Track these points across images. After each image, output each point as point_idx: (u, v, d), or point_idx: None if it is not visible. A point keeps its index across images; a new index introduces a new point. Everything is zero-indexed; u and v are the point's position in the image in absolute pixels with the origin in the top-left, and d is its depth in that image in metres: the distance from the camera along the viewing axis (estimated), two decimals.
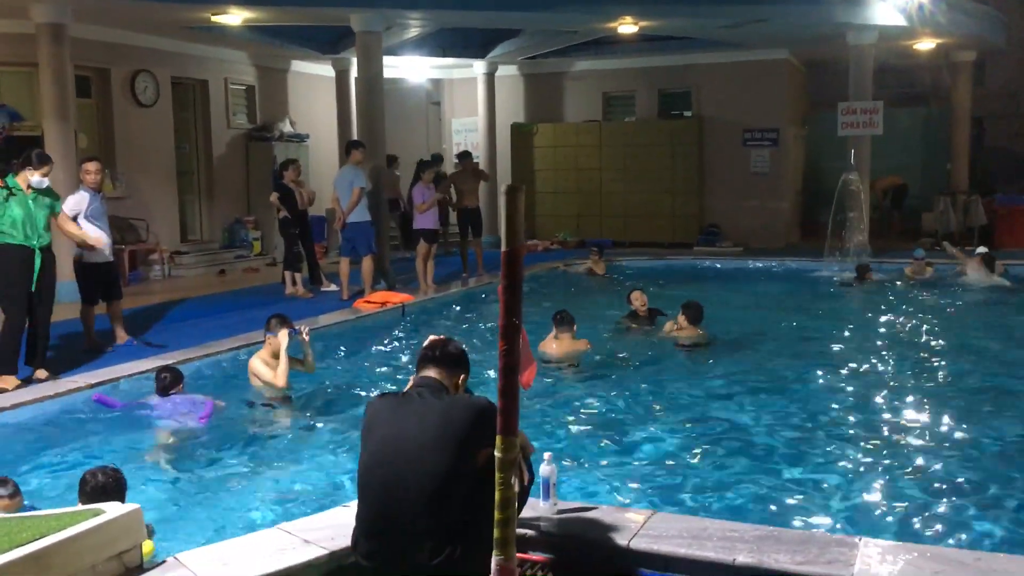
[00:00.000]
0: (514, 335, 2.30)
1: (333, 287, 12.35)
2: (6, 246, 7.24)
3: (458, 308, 11.50)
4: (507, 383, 2.35)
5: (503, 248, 2.28)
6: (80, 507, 3.81)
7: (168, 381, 6.72)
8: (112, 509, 3.61)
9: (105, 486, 4.03)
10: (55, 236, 7.87)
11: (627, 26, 14.08)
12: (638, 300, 9.70)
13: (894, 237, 16.92)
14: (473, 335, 9.39)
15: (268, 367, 6.94)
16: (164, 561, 3.64)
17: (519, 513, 3.51)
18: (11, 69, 12.68)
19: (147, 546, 3.68)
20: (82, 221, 8.47)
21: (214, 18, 12.38)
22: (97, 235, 8.47)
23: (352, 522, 3.56)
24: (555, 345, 8.23)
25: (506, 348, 2.30)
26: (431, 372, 3.61)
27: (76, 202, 8.50)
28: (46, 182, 7.51)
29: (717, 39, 16.21)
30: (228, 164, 15.98)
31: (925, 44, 16.12)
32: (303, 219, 12.25)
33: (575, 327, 8.27)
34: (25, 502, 4.32)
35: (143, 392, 7.08)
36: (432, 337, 3.78)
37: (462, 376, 3.67)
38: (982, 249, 13.39)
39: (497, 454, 2.47)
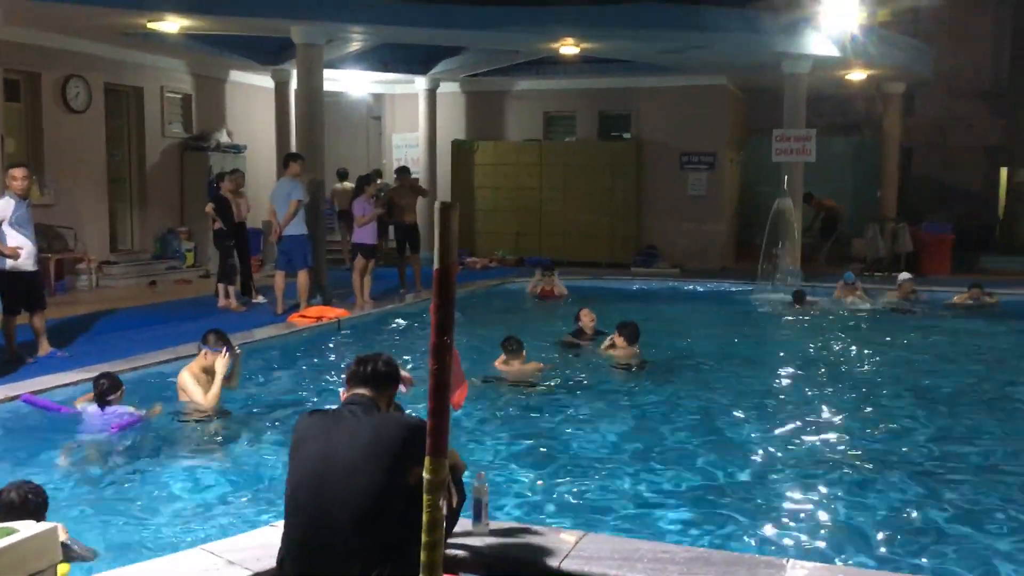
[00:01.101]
0: (445, 354, 2.27)
1: (261, 299, 12.20)
2: None
3: (394, 324, 11.42)
4: (437, 403, 2.32)
5: (435, 266, 2.25)
6: None
7: (106, 387, 6.47)
8: (27, 528, 3.47)
9: (12, 504, 3.86)
10: None
11: (568, 47, 14.22)
12: (587, 317, 9.74)
13: (823, 263, 17.27)
14: (409, 351, 9.31)
15: (198, 384, 6.78)
16: None
17: (449, 534, 3.46)
18: None
19: (62, 567, 3.55)
20: (6, 228, 8.22)
21: (150, 25, 12.17)
22: (17, 244, 8.22)
23: (279, 542, 3.48)
24: (505, 369, 8.25)
25: (437, 367, 2.27)
26: (361, 389, 3.56)
27: (1, 209, 8.24)
28: None
29: (657, 63, 16.45)
30: (162, 173, 15.68)
31: (857, 74, 16.59)
32: (240, 231, 12.09)
33: (524, 352, 8.30)
34: None
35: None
36: (361, 354, 3.72)
37: (391, 393, 3.62)
38: (906, 275, 13.77)
39: (425, 475, 2.43)
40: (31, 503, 3.87)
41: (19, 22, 11.82)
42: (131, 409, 6.59)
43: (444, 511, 2.48)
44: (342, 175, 17.48)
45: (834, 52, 14.55)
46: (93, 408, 6.52)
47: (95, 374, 6.96)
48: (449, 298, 2.24)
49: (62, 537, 3.84)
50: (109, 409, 6.46)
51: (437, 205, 2.18)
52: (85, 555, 3.99)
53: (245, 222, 12.20)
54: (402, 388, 3.74)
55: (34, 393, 7.03)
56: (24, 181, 8.42)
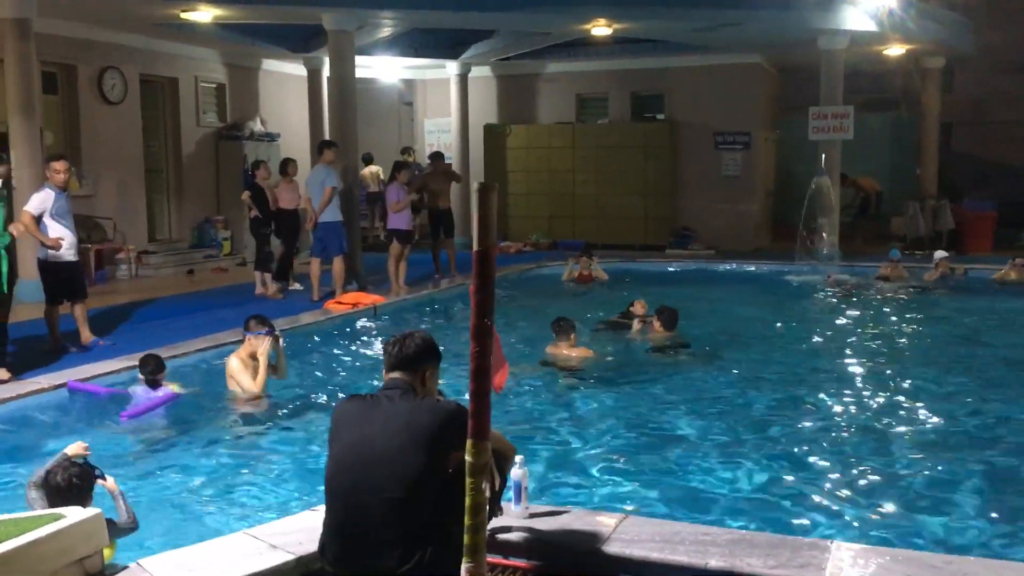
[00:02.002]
0: (486, 336, 2.25)
1: (298, 286, 12.28)
2: None
3: (430, 309, 11.44)
4: (478, 386, 2.30)
5: (475, 248, 2.23)
6: (40, 512, 3.71)
7: (150, 368, 6.76)
8: (73, 514, 3.52)
9: (58, 487, 3.92)
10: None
11: (600, 28, 14.09)
12: (639, 307, 9.65)
13: (862, 242, 17.04)
14: (445, 337, 9.33)
15: (246, 369, 6.85)
16: (127, 567, 3.56)
17: (491, 518, 3.46)
18: None
19: (107, 551, 3.59)
20: (47, 220, 8.33)
21: (183, 15, 12.23)
22: (58, 235, 8.34)
23: (320, 527, 3.50)
24: (553, 351, 8.21)
25: (478, 350, 2.25)
26: (395, 374, 3.54)
27: (41, 200, 8.34)
28: None
29: (690, 43, 16.27)
30: (198, 163, 15.81)
31: (895, 50, 16.28)
32: (292, 219, 12.13)
33: (574, 335, 8.22)
34: None
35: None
36: (392, 336, 3.67)
37: (428, 370, 3.57)
38: (942, 253, 13.56)
39: (468, 458, 2.42)
40: (75, 486, 3.92)
41: (55, 14, 11.94)
42: (172, 388, 6.82)
43: (487, 494, 2.47)
44: (367, 159, 17.68)
45: (871, 27, 14.29)
46: (141, 389, 6.73)
47: (135, 361, 7.09)
48: (489, 280, 2.22)
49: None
50: (155, 392, 6.68)
51: (475, 186, 2.16)
52: (128, 524, 4.03)
53: (297, 209, 12.24)
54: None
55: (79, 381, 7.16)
56: (64, 174, 8.53)
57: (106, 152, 13.89)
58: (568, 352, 8.18)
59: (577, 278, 13.43)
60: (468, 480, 2.42)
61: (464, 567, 2.58)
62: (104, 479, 4.07)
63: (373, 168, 18.20)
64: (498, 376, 2.63)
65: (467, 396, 2.54)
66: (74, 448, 4.16)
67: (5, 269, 7.29)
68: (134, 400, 6.72)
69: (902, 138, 19.17)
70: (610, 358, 8.61)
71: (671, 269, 15.47)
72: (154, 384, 6.78)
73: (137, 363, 7.01)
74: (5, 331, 7.42)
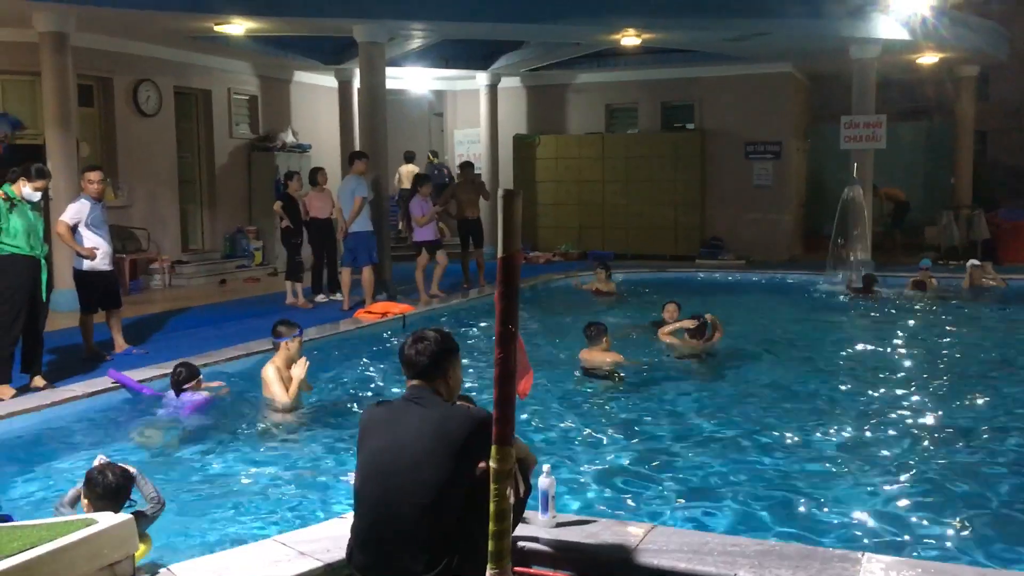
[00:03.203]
0: (510, 342, 2.26)
1: (322, 297, 12.34)
2: (14, 256, 7.22)
3: (458, 319, 11.46)
4: (503, 392, 2.30)
5: (499, 254, 2.24)
6: (72, 517, 3.76)
7: (182, 376, 6.88)
8: (104, 519, 3.56)
9: (109, 487, 3.99)
10: (54, 245, 7.87)
11: (630, 38, 14.09)
12: (669, 313, 9.65)
13: (897, 251, 16.87)
14: (474, 346, 9.35)
15: (279, 379, 6.92)
16: (157, 572, 3.59)
17: (516, 524, 3.45)
18: (14, 78, 12.69)
19: (142, 546, 3.64)
20: (83, 230, 8.46)
21: (217, 28, 12.40)
22: (94, 245, 8.47)
23: (348, 534, 3.51)
24: (585, 357, 8.23)
25: (502, 356, 2.26)
26: (415, 381, 3.54)
27: (77, 210, 8.48)
28: (37, 196, 7.49)
29: (720, 52, 16.22)
30: (230, 174, 15.99)
31: (928, 58, 16.12)
32: (322, 226, 12.16)
33: (606, 339, 8.21)
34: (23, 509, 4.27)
35: (141, 402, 7.09)
36: (406, 340, 3.61)
37: (449, 369, 3.56)
38: (974, 262, 13.41)
39: (492, 464, 2.43)
40: (123, 486, 4.02)
41: (92, 28, 12.15)
42: (205, 393, 6.95)
43: (511, 500, 2.47)
44: (408, 157, 18.05)
45: (904, 36, 14.16)
46: (170, 394, 6.89)
47: (168, 370, 7.19)
48: (513, 287, 2.22)
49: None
50: (184, 396, 6.81)
51: (500, 192, 2.17)
52: (155, 506, 4.11)
53: (330, 218, 12.25)
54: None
55: (102, 392, 7.28)
56: (99, 184, 8.66)
57: (141, 163, 14.09)
58: (602, 357, 8.17)
59: (594, 292, 13.26)
60: (492, 486, 2.42)
61: (489, 573, 2.59)
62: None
63: (412, 167, 18.34)
64: (523, 382, 2.64)
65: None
66: (97, 463, 4.18)
67: (44, 278, 7.43)
68: (167, 402, 6.88)
69: (936, 147, 18.97)
70: (643, 364, 8.58)
71: (700, 277, 15.39)
72: (179, 392, 6.87)
73: (152, 377, 7.22)
74: (41, 340, 7.53)
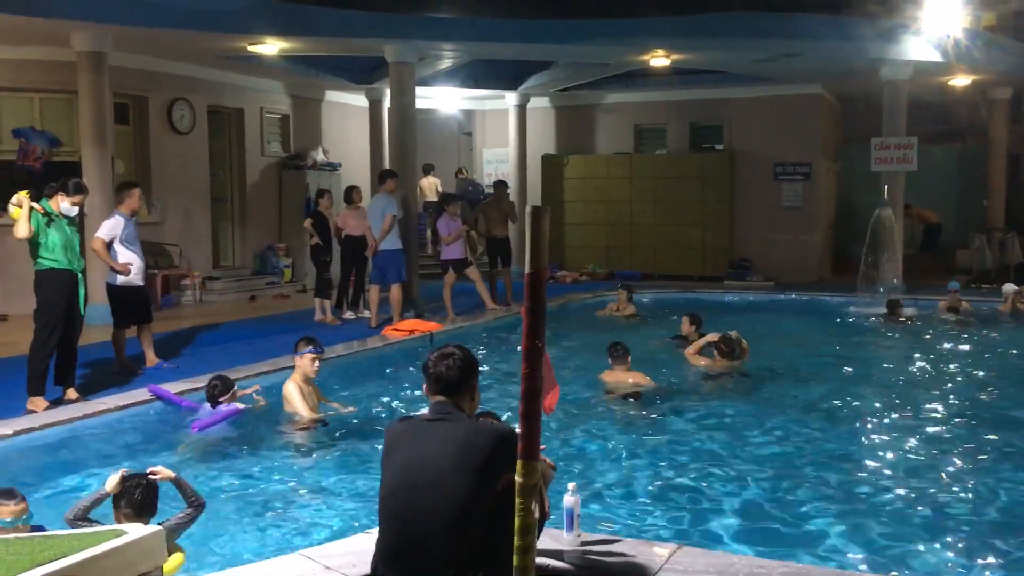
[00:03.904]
0: (537, 358, 2.27)
1: (350, 314, 12.35)
2: (53, 271, 7.37)
3: (486, 337, 11.48)
4: (529, 407, 2.32)
5: (527, 270, 2.26)
6: (101, 528, 3.81)
7: (217, 389, 7.06)
8: (134, 530, 3.60)
9: (135, 501, 4.06)
10: (87, 260, 8.01)
11: (659, 59, 14.13)
12: (685, 326, 9.77)
13: (927, 274, 16.70)
14: (501, 364, 9.36)
15: (300, 394, 7.02)
16: None
17: (536, 539, 3.44)
18: (52, 96, 12.95)
19: (175, 558, 3.68)
20: (117, 246, 8.60)
21: (251, 48, 12.58)
22: (128, 260, 8.61)
23: (373, 548, 3.53)
24: (608, 379, 8.24)
25: (528, 371, 2.27)
26: (439, 397, 3.54)
27: (112, 227, 8.62)
28: (75, 211, 7.63)
29: (750, 73, 16.21)
30: (261, 191, 16.16)
31: (960, 80, 16.01)
32: (357, 244, 12.10)
33: (629, 359, 8.22)
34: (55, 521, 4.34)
35: (172, 415, 7.19)
36: (432, 355, 3.60)
37: (474, 387, 3.58)
38: (1011, 286, 13.24)
39: (518, 479, 2.44)
40: (149, 501, 4.09)
41: (128, 48, 12.37)
42: (239, 404, 7.11)
43: (536, 515, 2.48)
44: (426, 170, 18.14)
45: (936, 57, 14.07)
46: (207, 406, 7.05)
47: (199, 384, 7.30)
48: (540, 302, 2.24)
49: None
50: (220, 408, 6.98)
51: (528, 209, 2.20)
52: (195, 507, 4.19)
53: (364, 236, 11.99)
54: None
55: (134, 405, 7.37)
56: (139, 200, 8.86)
57: (174, 180, 14.29)
58: (625, 378, 8.15)
59: (616, 312, 13.05)
60: (517, 500, 2.43)
61: None
62: (156, 473, 4.20)
63: (432, 179, 18.46)
64: (548, 398, 2.65)
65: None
66: (112, 482, 4.20)
67: (82, 292, 7.57)
68: (201, 413, 7.05)
69: (968, 170, 18.81)
70: (668, 383, 8.56)
71: (727, 299, 15.32)
72: (215, 405, 7.03)
73: (206, 385, 7.32)
74: (75, 353, 7.64)
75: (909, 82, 14.85)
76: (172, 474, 4.25)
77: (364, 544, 3.87)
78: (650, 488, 5.66)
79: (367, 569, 3.58)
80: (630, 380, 8.16)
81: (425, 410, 3.63)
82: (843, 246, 18.31)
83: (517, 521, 2.44)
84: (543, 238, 2.22)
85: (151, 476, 4.18)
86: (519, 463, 2.44)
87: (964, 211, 18.46)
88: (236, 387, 7.23)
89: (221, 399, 7.03)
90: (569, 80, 17.37)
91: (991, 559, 4.57)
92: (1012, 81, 16.90)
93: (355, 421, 7.26)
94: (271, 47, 12.64)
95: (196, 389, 7.54)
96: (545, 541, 3.69)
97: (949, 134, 19.50)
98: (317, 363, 7.17)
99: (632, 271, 17.87)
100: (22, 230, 7.21)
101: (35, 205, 7.27)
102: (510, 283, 13.80)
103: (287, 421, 7.05)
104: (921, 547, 4.74)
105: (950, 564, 4.52)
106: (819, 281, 17.06)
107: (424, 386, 3.64)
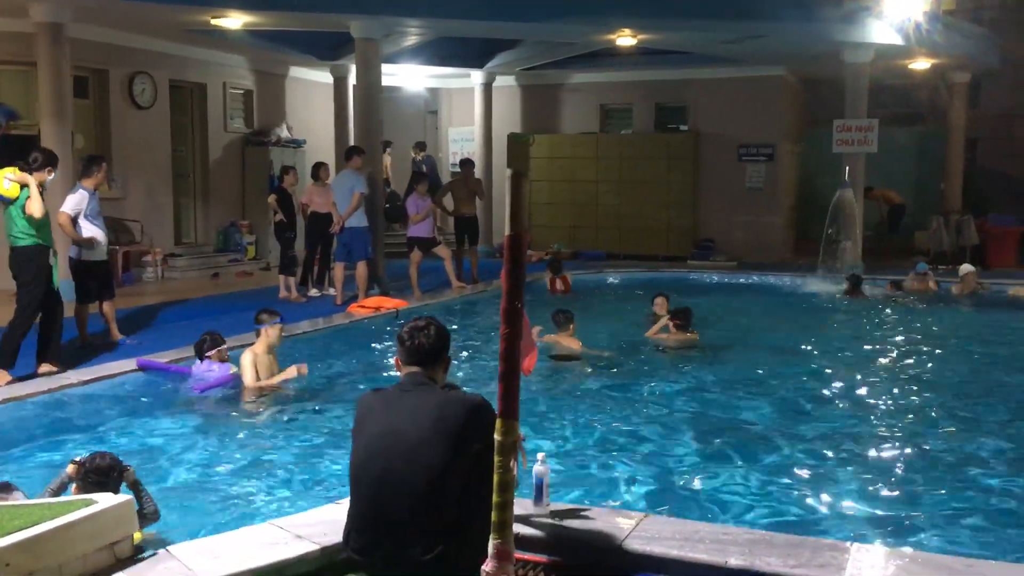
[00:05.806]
0: (516, 319, 2.30)
1: (315, 292, 12.31)
2: (39, 247, 7.41)
3: (452, 315, 11.49)
4: (508, 367, 2.35)
5: (506, 231, 2.28)
6: (72, 497, 3.80)
7: (207, 344, 7.23)
8: (104, 500, 3.61)
9: (100, 469, 4.06)
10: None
11: (625, 39, 14.16)
12: (660, 307, 9.94)
13: (887, 255, 16.97)
14: (467, 342, 9.39)
15: (255, 364, 7.12)
16: (155, 553, 3.63)
17: None
18: (9, 68, 12.69)
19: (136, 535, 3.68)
20: (81, 220, 8.52)
21: (214, 21, 12.40)
22: (92, 234, 8.55)
23: (344, 519, 3.55)
24: (553, 339, 8.53)
25: (508, 331, 2.31)
26: (413, 368, 3.57)
27: (77, 201, 8.53)
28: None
29: (715, 54, 16.30)
30: (224, 168, 15.99)
31: (921, 64, 16.24)
32: (323, 221, 12.03)
33: (572, 326, 8.51)
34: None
35: (143, 387, 7.25)
36: (407, 326, 3.63)
37: (447, 358, 3.65)
38: (968, 267, 13.53)
39: (497, 437, 2.48)
40: (112, 467, 4.07)
41: (88, 19, 12.14)
42: (232, 369, 7.23)
43: (514, 472, 2.52)
44: (383, 147, 17.84)
45: (897, 41, 14.27)
46: (204, 365, 7.20)
47: (164, 360, 7.32)
48: (520, 263, 2.27)
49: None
50: (205, 363, 7.17)
51: (508, 173, 2.22)
52: (151, 516, 4.14)
53: (330, 213, 11.90)
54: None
55: (96, 380, 7.32)
56: (104, 175, 8.83)
57: (135, 156, 14.08)
58: (568, 343, 8.43)
59: (551, 286, 13.22)
60: (496, 458, 2.47)
61: (492, 543, 2.63)
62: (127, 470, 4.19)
63: (386, 157, 18.26)
64: (527, 360, 2.69)
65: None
66: (70, 470, 4.18)
67: (56, 267, 7.57)
68: (196, 375, 7.20)
69: (927, 152, 19.10)
70: (605, 353, 8.78)
71: (691, 278, 15.47)
72: (202, 358, 7.21)
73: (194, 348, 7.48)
74: (60, 328, 7.69)
75: (871, 65, 15.04)
76: (132, 478, 4.20)
77: (335, 514, 3.89)
78: (613, 458, 5.72)
79: (338, 538, 3.61)
80: (575, 347, 8.47)
81: (398, 382, 3.65)
82: (805, 227, 18.53)
83: (496, 478, 2.48)
84: (523, 201, 2.25)
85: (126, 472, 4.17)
86: (498, 422, 2.48)
87: (922, 193, 18.74)
88: (225, 346, 7.35)
89: (208, 353, 7.17)
90: (536, 59, 17.35)
91: (948, 521, 4.70)
92: (970, 65, 17.17)
93: (322, 395, 7.26)
94: (235, 20, 12.46)
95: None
96: (514, 511, 3.74)
97: (910, 117, 19.77)
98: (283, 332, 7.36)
99: (597, 251, 17.97)
100: (38, 207, 7.20)
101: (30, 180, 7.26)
102: (476, 261, 13.82)
103: (244, 389, 7.11)
104: (880, 511, 4.87)
105: (910, 528, 4.64)
106: (781, 261, 17.26)
107: (396, 358, 3.67)
